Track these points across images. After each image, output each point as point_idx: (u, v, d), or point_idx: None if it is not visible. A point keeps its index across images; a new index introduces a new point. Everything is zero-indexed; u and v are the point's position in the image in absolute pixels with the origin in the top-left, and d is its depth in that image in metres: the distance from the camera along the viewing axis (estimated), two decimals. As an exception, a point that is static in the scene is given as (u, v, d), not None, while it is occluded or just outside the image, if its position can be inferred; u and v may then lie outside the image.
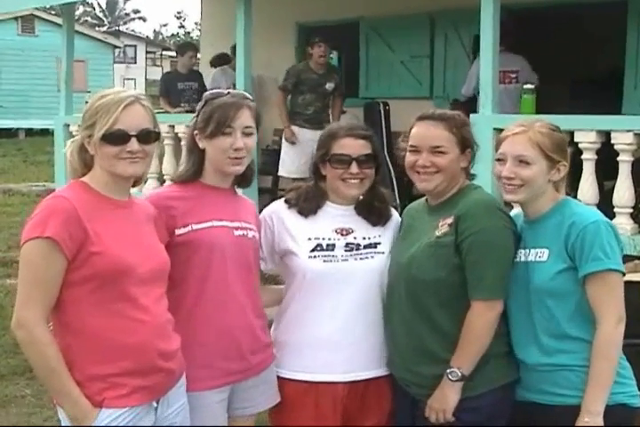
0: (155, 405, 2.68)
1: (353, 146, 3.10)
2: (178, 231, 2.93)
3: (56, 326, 2.54)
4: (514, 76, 8.03)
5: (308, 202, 3.17)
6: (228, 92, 3.06)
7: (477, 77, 7.20)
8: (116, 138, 2.61)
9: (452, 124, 3.00)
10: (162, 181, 8.24)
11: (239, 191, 3.22)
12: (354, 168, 3.08)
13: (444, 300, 2.94)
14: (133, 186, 2.82)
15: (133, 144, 2.63)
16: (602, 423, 2.70)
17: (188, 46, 10.86)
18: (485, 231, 2.89)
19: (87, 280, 2.54)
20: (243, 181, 3.16)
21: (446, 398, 2.90)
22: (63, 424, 2.61)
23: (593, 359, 2.74)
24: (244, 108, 3.00)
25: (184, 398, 2.83)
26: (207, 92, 3.12)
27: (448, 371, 2.88)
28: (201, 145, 3.02)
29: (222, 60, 9.76)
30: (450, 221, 2.94)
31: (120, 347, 2.57)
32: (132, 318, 2.59)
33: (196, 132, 3.03)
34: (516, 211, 3.19)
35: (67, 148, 2.74)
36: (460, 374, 2.87)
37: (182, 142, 7.73)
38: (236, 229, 3.02)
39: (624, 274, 2.80)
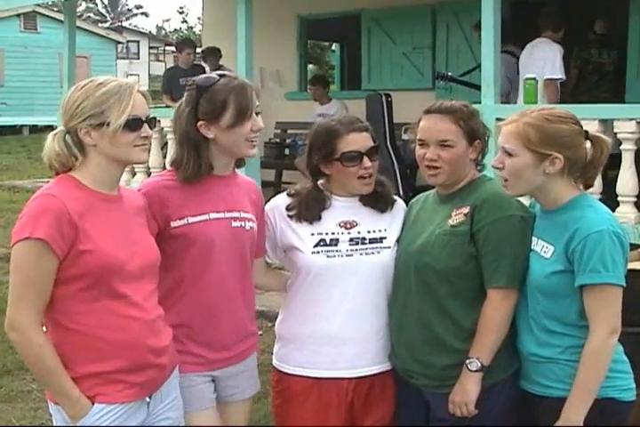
0: (147, 400, 2.63)
1: (360, 141, 3.04)
2: (173, 224, 2.85)
3: (46, 324, 2.48)
4: None
5: (311, 210, 3.10)
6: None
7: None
8: (135, 124, 2.56)
9: (459, 117, 2.95)
10: (148, 175, 8.06)
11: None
12: (366, 162, 3.02)
13: (456, 289, 2.92)
14: None
15: (147, 129, 2.60)
16: None
17: (185, 43, 10.74)
18: (502, 221, 2.87)
19: (77, 278, 2.47)
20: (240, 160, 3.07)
21: (467, 391, 2.87)
22: (55, 421, 2.57)
23: (580, 368, 2.68)
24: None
25: (176, 392, 2.79)
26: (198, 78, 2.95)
27: (467, 361, 2.86)
28: (211, 135, 2.89)
29: None
30: (466, 210, 2.92)
31: (111, 345, 2.51)
32: (122, 316, 2.53)
33: (201, 123, 2.88)
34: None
35: (51, 142, 2.57)
36: (479, 364, 2.84)
37: (169, 136, 7.76)
38: (234, 219, 2.95)
39: (624, 287, 2.70)
